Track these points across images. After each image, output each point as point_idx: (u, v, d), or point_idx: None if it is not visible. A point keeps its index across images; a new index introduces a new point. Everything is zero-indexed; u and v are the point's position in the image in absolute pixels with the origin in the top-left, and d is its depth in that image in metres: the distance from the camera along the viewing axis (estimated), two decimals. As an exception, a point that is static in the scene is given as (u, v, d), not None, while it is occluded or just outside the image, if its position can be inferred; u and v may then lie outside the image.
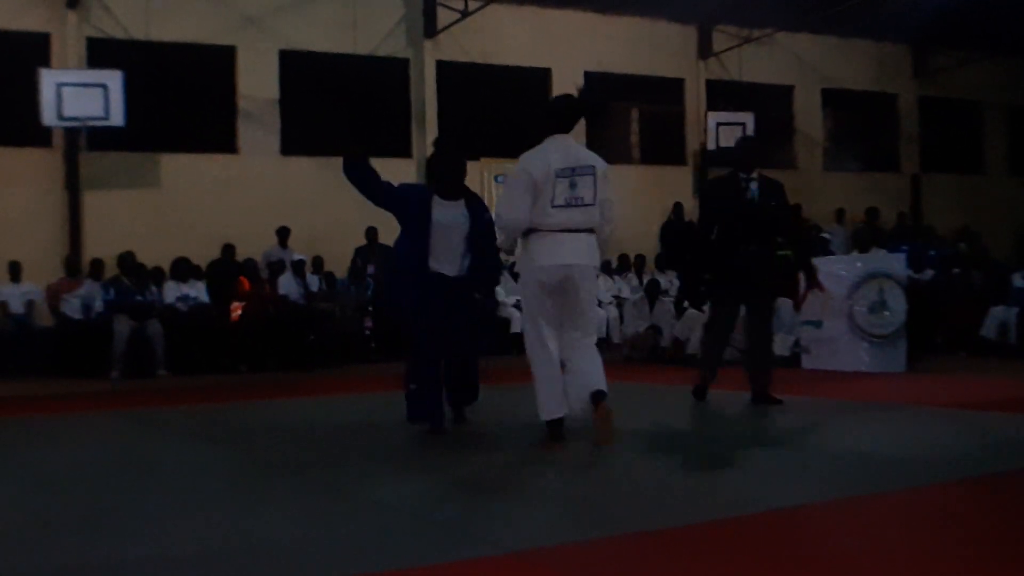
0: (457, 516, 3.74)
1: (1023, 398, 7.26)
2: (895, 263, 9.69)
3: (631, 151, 16.93)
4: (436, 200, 5.70)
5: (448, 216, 5.67)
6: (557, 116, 5.27)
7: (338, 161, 5.82)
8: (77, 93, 12.22)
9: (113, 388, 9.91)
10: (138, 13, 13.27)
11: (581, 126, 5.50)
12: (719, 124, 16.19)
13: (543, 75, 15.61)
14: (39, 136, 12.72)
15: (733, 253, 6.61)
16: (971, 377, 8.93)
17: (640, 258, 14.83)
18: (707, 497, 4.02)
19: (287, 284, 12.49)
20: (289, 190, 13.66)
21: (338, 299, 12.68)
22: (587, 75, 15.12)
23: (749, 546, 3.20)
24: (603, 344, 12.53)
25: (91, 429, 6.89)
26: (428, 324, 5.66)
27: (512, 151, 5.37)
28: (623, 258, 14.66)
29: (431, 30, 14.88)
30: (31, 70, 12.29)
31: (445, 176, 5.80)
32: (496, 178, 14.01)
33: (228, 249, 12.86)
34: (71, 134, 12.77)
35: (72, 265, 12.25)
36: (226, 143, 13.95)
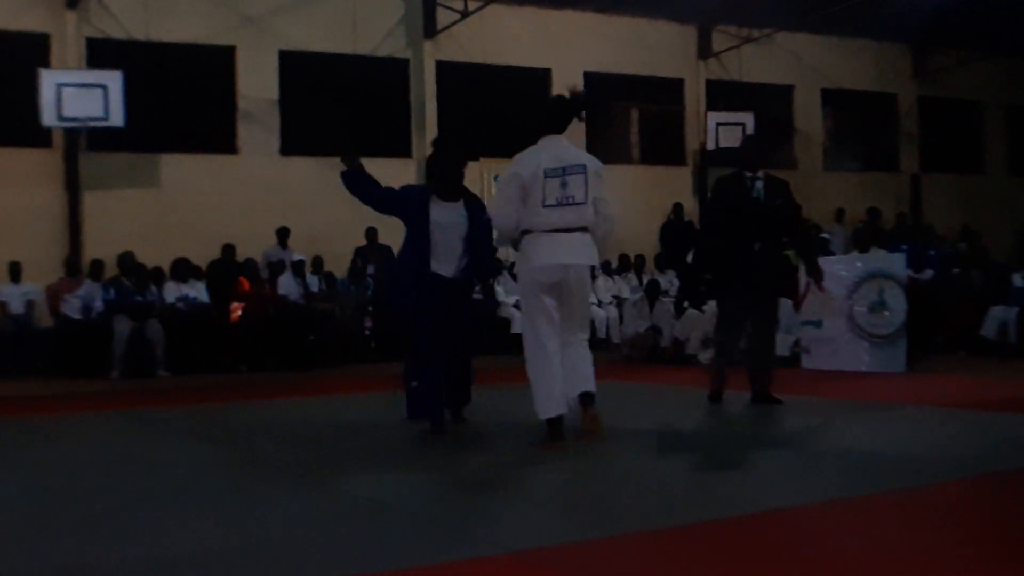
0: (457, 516, 3.74)
1: (1023, 398, 7.26)
2: (895, 263, 9.69)
3: (631, 151, 16.92)
4: (435, 200, 5.70)
5: (446, 217, 5.67)
6: (550, 117, 5.34)
7: (338, 161, 5.82)
8: (77, 93, 12.20)
9: (113, 388, 9.90)
10: (138, 13, 13.27)
11: (581, 126, 5.52)
12: (719, 124, 16.17)
13: (543, 75, 15.60)
14: (39, 136, 12.71)
15: (737, 253, 6.60)
16: (971, 377, 8.92)
17: (640, 258, 14.82)
18: (707, 497, 4.02)
19: (287, 284, 12.48)
20: (289, 190, 13.65)
21: (338, 299, 12.67)
22: (587, 75, 15.10)
23: (749, 546, 3.20)
24: (603, 344, 12.64)
25: (91, 429, 6.88)
26: (428, 325, 5.65)
27: (512, 151, 5.40)
28: (623, 258, 14.65)
29: (431, 30, 14.87)
30: (31, 70, 12.27)
31: (444, 177, 5.79)
32: (495, 178, 13.98)
33: (228, 249, 12.86)
34: (71, 134, 12.77)
35: (72, 265, 12.23)
36: (226, 143, 13.94)
